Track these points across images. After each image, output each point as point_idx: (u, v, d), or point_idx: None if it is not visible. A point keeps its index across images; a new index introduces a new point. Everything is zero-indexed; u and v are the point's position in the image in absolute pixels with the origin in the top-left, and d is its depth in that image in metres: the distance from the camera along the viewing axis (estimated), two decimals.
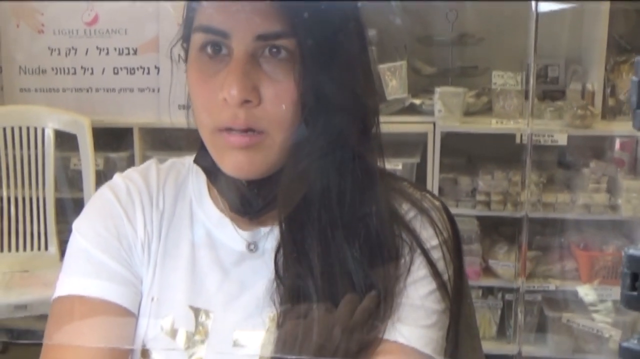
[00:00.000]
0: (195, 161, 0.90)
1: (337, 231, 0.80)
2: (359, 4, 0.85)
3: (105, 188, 0.93)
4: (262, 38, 0.76)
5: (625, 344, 0.39)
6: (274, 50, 0.77)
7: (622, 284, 0.38)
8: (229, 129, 0.78)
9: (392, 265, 0.82)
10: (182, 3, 0.86)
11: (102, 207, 0.91)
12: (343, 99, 0.80)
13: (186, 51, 0.84)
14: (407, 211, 0.87)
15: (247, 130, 0.78)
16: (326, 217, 0.80)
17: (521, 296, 2.12)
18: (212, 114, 0.79)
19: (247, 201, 0.84)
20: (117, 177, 0.93)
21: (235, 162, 0.80)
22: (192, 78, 0.82)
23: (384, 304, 0.81)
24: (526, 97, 2.49)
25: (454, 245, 0.89)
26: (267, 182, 0.81)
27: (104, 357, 0.85)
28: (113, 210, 0.90)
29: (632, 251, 0.38)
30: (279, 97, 0.77)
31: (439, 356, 0.84)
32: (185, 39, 0.85)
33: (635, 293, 0.38)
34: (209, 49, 0.79)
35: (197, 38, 0.80)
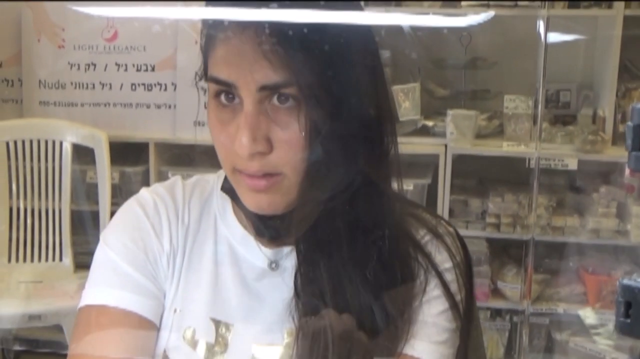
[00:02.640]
0: (222, 188, 0.93)
1: (350, 255, 0.83)
2: (377, 34, 0.87)
3: (133, 201, 0.95)
4: (266, 88, 0.78)
5: None
6: (282, 98, 0.79)
7: (616, 311, 0.41)
8: (245, 173, 0.81)
9: (407, 286, 0.85)
10: (199, 21, 0.89)
11: (129, 220, 0.94)
12: (355, 133, 0.82)
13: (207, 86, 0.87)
14: (423, 236, 0.90)
15: (264, 174, 0.81)
16: (340, 241, 0.83)
17: (526, 319, 2.13)
18: (229, 157, 0.82)
19: (270, 228, 0.88)
20: (145, 192, 0.96)
21: (255, 202, 0.83)
22: (211, 122, 0.84)
23: (399, 325, 0.83)
24: (534, 122, 2.52)
25: (466, 269, 0.92)
26: (289, 214, 0.84)
27: None
28: (140, 223, 0.93)
29: (625, 281, 0.41)
30: (289, 143, 0.79)
31: None
32: (206, 76, 0.86)
33: (628, 320, 0.41)
34: (222, 98, 0.82)
35: (211, 87, 0.83)
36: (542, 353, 2.77)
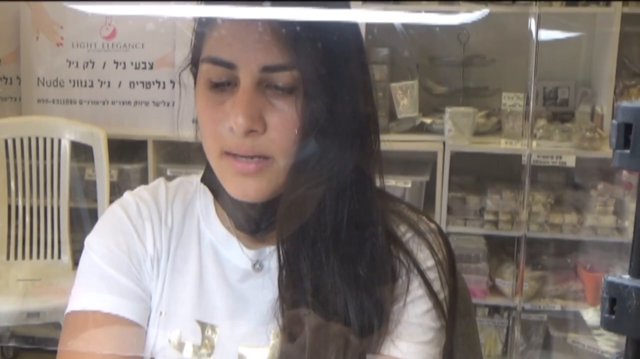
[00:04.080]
0: (202, 180, 0.93)
1: (333, 253, 0.83)
2: (369, 31, 0.88)
3: (116, 205, 0.96)
4: (267, 69, 0.79)
5: None
6: (279, 81, 0.80)
7: (601, 308, 0.41)
8: (235, 155, 0.81)
9: (389, 284, 0.85)
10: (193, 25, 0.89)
11: (113, 224, 0.94)
12: (345, 125, 0.83)
13: (195, 75, 0.87)
14: (404, 233, 0.90)
15: (253, 156, 0.81)
16: (322, 239, 0.83)
17: (518, 315, 2.14)
18: (219, 139, 0.82)
19: (252, 221, 0.88)
20: (128, 195, 0.96)
21: (241, 188, 0.83)
22: (200, 106, 0.85)
23: (379, 322, 0.84)
24: (526, 119, 2.52)
25: (449, 266, 0.92)
26: (272, 203, 0.84)
27: None
28: (124, 227, 0.93)
29: (610, 278, 0.41)
30: (284, 126, 0.80)
31: None
32: (194, 63, 0.87)
33: (613, 316, 0.41)
34: (216, 79, 0.82)
35: (205, 68, 0.83)
36: (539, 350, 2.78)
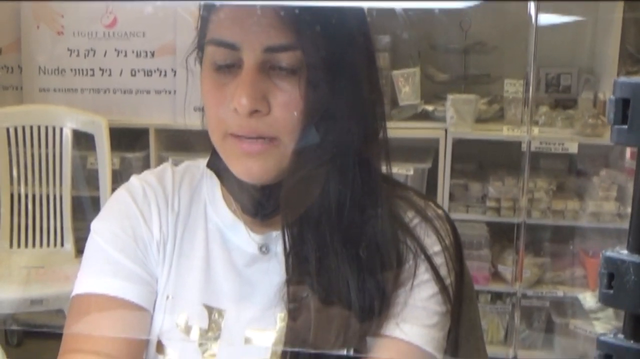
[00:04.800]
0: (208, 165, 0.93)
1: (337, 235, 0.83)
2: (368, 15, 0.88)
3: (122, 190, 0.96)
4: (270, 50, 0.79)
5: (603, 338, 0.42)
6: (282, 61, 0.80)
7: (599, 283, 0.41)
8: (239, 136, 0.82)
9: (393, 268, 0.86)
10: (197, 11, 0.89)
11: (119, 208, 0.94)
12: (349, 107, 0.83)
13: (201, 59, 0.87)
14: (412, 219, 0.90)
15: (258, 137, 0.81)
16: (326, 222, 0.83)
17: (518, 301, 2.15)
18: (224, 121, 0.82)
19: (258, 204, 0.87)
20: (134, 179, 0.96)
21: (246, 169, 0.83)
22: (205, 88, 0.85)
23: (381, 305, 0.84)
24: (525, 105, 2.52)
25: (456, 252, 0.92)
26: (278, 185, 0.84)
27: (121, 348, 0.88)
28: (130, 211, 0.93)
29: (608, 253, 0.41)
30: (287, 107, 0.80)
31: (439, 355, 0.87)
32: (200, 48, 0.88)
33: (611, 291, 0.41)
34: (220, 61, 0.82)
35: (210, 50, 0.84)
36: (541, 336, 2.79)
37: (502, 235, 2.87)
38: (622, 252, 0.42)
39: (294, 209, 0.85)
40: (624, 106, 0.41)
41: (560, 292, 2.72)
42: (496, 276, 2.80)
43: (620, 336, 0.42)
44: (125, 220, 0.93)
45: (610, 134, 0.41)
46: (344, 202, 0.83)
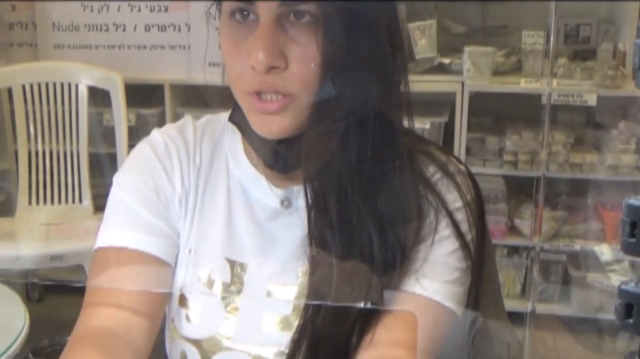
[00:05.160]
0: (230, 119, 0.93)
1: (358, 189, 0.82)
2: None
3: (144, 143, 0.95)
4: (286, 3, 0.78)
5: (624, 287, 0.42)
6: (299, 14, 0.79)
7: (622, 231, 0.41)
8: (258, 93, 0.81)
9: (414, 222, 0.85)
10: None
11: (140, 162, 0.94)
12: (368, 60, 0.82)
13: (219, 12, 0.87)
14: (433, 174, 0.89)
15: (276, 93, 0.80)
16: (347, 175, 0.82)
17: (537, 255, 2.14)
18: (242, 78, 0.81)
19: (280, 157, 0.87)
20: (155, 133, 0.96)
21: (265, 125, 0.82)
22: (224, 43, 0.84)
23: (402, 258, 0.84)
24: (546, 57, 2.48)
25: (477, 209, 0.91)
26: (298, 139, 0.83)
27: (143, 301, 0.89)
28: (151, 165, 0.93)
29: (631, 201, 0.40)
30: (305, 61, 0.79)
31: (459, 311, 0.87)
32: (218, 1, 0.87)
33: (633, 240, 0.41)
34: (237, 15, 0.81)
35: (226, 5, 0.82)
36: (558, 289, 2.79)
37: (519, 189, 2.86)
38: None
39: (314, 163, 0.84)
40: None
41: (577, 245, 2.72)
42: (513, 229, 2.80)
43: None
44: (147, 174, 0.92)
45: (635, 78, 0.40)
46: (364, 156, 0.82)
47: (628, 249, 0.40)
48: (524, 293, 2.83)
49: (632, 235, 0.41)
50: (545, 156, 2.43)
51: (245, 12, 0.81)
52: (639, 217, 0.40)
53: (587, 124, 2.83)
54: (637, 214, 0.40)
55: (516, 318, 1.28)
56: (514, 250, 2.84)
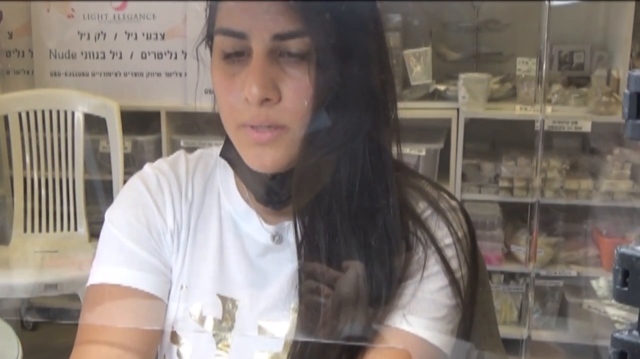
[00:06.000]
0: (221, 154, 0.93)
1: (347, 224, 0.82)
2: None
3: (136, 178, 0.95)
4: (279, 37, 0.79)
5: (617, 335, 0.42)
6: (291, 48, 0.79)
7: (614, 279, 0.41)
8: (252, 126, 0.81)
9: (402, 257, 0.85)
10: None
11: (133, 197, 0.94)
12: (359, 93, 0.82)
13: (211, 48, 0.87)
14: (424, 210, 0.89)
15: (269, 126, 0.80)
16: (337, 209, 0.82)
17: (532, 282, 2.14)
18: (235, 111, 0.82)
19: (271, 192, 0.87)
20: (148, 168, 0.96)
21: (258, 157, 0.82)
22: (216, 79, 0.84)
23: (389, 294, 0.83)
24: (539, 84, 2.49)
25: (469, 245, 0.91)
26: (290, 174, 0.84)
27: (135, 338, 0.89)
28: (143, 200, 0.93)
29: (623, 250, 0.40)
30: (298, 94, 0.79)
31: (447, 349, 0.86)
32: (210, 36, 0.87)
33: (626, 288, 0.41)
34: (229, 50, 0.82)
35: (218, 40, 0.83)
36: (555, 316, 2.78)
37: (515, 215, 2.86)
38: (637, 249, 0.41)
39: (305, 197, 0.84)
40: (638, 101, 0.40)
41: (573, 272, 2.71)
42: (509, 256, 2.79)
43: (635, 333, 0.41)
44: (139, 209, 0.92)
45: (625, 128, 0.40)
46: (354, 190, 0.82)
47: (620, 297, 0.40)
48: (520, 319, 2.81)
49: (625, 284, 0.41)
50: (539, 182, 2.44)
51: (237, 48, 0.81)
52: (631, 266, 0.40)
53: (582, 151, 2.84)
54: (629, 262, 0.40)
55: (513, 345, 1.27)
56: (510, 276, 2.83)
